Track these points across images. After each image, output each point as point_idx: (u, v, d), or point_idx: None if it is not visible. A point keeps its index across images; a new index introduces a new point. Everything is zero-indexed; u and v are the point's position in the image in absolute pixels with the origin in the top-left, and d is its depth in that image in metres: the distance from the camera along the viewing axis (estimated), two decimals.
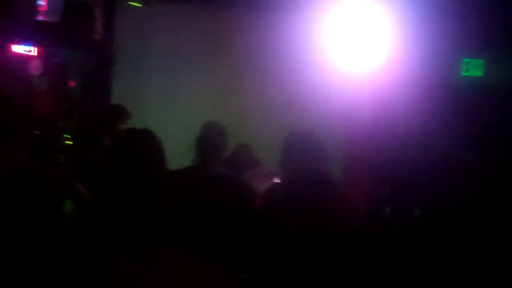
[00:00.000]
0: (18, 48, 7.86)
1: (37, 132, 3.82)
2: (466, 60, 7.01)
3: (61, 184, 3.84)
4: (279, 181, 3.92)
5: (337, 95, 6.76)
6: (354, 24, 6.33)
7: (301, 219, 2.62)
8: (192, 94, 7.13)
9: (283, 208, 2.69)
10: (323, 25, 6.41)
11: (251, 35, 7.01)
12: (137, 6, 6.08)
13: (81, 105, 8.45)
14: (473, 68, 7.01)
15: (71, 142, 6.82)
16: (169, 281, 2.01)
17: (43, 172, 3.68)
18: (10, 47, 7.70)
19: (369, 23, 6.28)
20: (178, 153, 4.32)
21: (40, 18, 7.08)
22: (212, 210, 2.30)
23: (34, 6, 6.76)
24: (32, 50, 8.09)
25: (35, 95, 8.46)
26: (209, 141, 4.30)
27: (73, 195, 3.93)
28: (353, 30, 6.37)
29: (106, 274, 2.07)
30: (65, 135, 7.87)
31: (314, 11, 6.42)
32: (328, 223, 2.62)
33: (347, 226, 2.96)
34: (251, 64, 7.04)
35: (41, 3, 7.10)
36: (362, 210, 3.61)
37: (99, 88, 7.16)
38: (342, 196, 2.76)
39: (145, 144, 2.75)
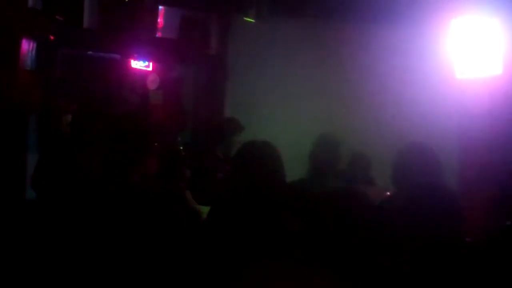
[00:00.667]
0: (136, 64, 8.20)
1: (160, 146, 3.94)
2: None
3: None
4: (390, 194, 3.83)
5: (456, 105, 6.61)
6: (472, 34, 6.21)
7: (420, 235, 2.57)
8: (306, 107, 7.15)
9: (401, 223, 2.65)
10: (438, 37, 6.30)
11: (366, 47, 6.96)
12: (251, 22, 6.16)
13: (195, 118, 8.69)
14: None
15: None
16: None
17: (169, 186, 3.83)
18: (129, 63, 8.03)
19: (487, 34, 6.13)
20: (292, 165, 4.36)
21: (158, 34, 7.34)
22: (337, 225, 2.29)
23: (153, 24, 7.01)
24: (149, 66, 8.41)
25: (152, 109, 8.76)
26: (324, 154, 4.27)
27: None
28: (471, 40, 6.24)
29: None
30: (180, 147, 8.12)
31: (429, 24, 6.33)
32: (449, 240, 2.56)
33: (470, 242, 2.88)
34: (368, 76, 6.99)
35: (159, 20, 7.37)
36: (484, 225, 3.49)
37: (213, 102, 7.31)
38: (463, 212, 2.69)
39: (266, 156, 2.75)
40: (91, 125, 3.97)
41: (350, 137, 6.51)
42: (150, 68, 8.46)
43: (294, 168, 4.39)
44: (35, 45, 5.95)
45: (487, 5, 5.93)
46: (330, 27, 7.13)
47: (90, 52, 7.40)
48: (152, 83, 8.42)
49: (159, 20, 7.38)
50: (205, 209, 3.78)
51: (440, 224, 2.52)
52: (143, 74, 8.36)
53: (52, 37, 6.36)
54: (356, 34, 7.03)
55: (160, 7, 7.12)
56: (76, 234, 2.98)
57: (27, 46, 5.82)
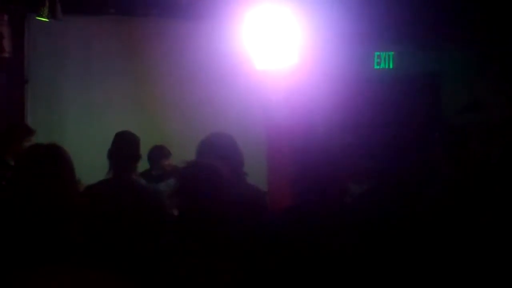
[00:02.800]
0: None
1: None
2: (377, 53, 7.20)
3: None
4: None
5: (255, 95, 6.82)
6: (268, 26, 6.40)
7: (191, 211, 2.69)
8: (109, 106, 7.03)
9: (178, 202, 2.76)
10: (238, 29, 6.45)
11: (166, 42, 6.99)
12: (45, 21, 5.91)
13: None
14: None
15: None
16: None
17: None
18: None
19: (282, 25, 6.35)
20: (96, 167, 4.26)
21: None
22: (121, 219, 2.24)
23: None
24: None
25: None
26: (120, 151, 4.24)
27: None
28: (267, 32, 6.44)
29: None
30: None
31: (228, 16, 6.46)
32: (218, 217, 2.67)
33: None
34: (168, 70, 7.02)
35: None
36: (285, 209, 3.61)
37: (12, 107, 6.95)
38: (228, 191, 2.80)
39: (51, 159, 2.61)
40: None
41: (160, 133, 6.55)
42: None
43: (103, 171, 4.30)
44: None
45: None
46: (130, 25, 7.06)
47: None
48: None
49: None
50: None
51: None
52: None
53: None
54: (155, 30, 7.03)
55: None
56: None
57: None
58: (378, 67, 7.12)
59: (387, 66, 7.13)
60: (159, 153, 6.29)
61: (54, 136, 5.50)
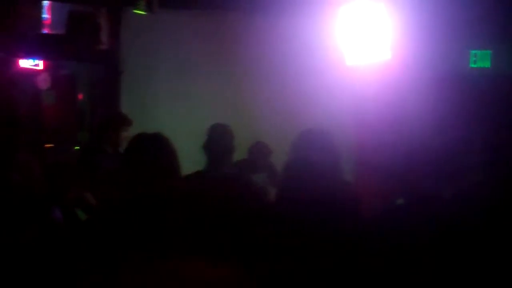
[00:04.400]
0: (25, 63, 7.89)
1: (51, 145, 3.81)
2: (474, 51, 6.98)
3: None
4: None
5: (346, 91, 6.77)
6: (360, 21, 6.36)
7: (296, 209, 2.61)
8: (201, 99, 7.13)
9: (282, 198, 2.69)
10: (330, 24, 6.42)
11: (257, 37, 7.00)
12: (142, 14, 6.06)
13: (92, 116, 8.48)
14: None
15: None
16: None
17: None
18: (17, 62, 7.72)
19: (375, 21, 6.28)
20: (189, 159, 4.31)
21: (45, 31, 7.10)
22: (217, 211, 2.26)
23: (38, 19, 6.78)
24: (39, 64, 8.12)
25: (46, 110, 8.48)
26: (215, 143, 4.26)
27: (83, 206, 3.94)
28: (359, 27, 6.39)
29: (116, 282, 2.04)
30: (76, 147, 7.92)
31: (321, 11, 6.45)
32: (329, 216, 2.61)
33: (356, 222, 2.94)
34: (261, 67, 7.04)
35: (46, 16, 7.13)
36: (375, 207, 3.56)
37: (108, 98, 7.16)
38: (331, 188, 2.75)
39: (157, 147, 2.65)
40: None
41: (250, 128, 6.58)
42: (41, 67, 8.19)
43: (196, 162, 4.37)
44: None
45: None
46: (221, 20, 7.13)
47: None
48: (43, 83, 8.15)
49: (46, 15, 7.15)
50: None
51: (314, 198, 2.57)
52: (33, 73, 8.08)
53: None
54: (247, 25, 7.07)
55: (46, 2, 6.88)
56: None
57: None
58: (474, 65, 6.91)
59: (484, 65, 6.91)
60: (262, 149, 6.10)
61: (147, 127, 5.60)
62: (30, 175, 3.14)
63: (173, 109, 7.11)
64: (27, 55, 7.44)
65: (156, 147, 2.71)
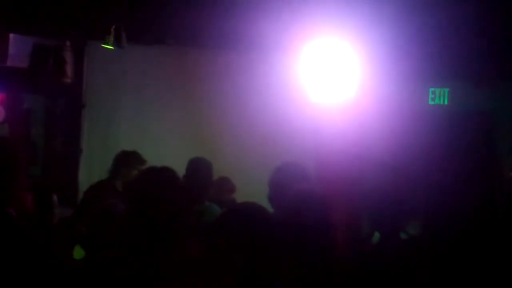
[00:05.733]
0: None
1: None
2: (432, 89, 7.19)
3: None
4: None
5: (312, 128, 6.85)
6: (325, 59, 6.46)
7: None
8: (163, 132, 7.13)
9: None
10: (296, 62, 6.51)
11: (221, 72, 7.08)
12: (107, 48, 6.06)
13: (46, 150, 8.34)
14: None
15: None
16: None
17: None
18: None
19: (339, 59, 6.40)
20: None
21: (8, 63, 7.00)
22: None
23: (4, 52, 6.69)
24: None
25: None
26: (197, 176, 4.27)
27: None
28: (324, 65, 6.49)
29: None
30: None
31: (285, 48, 6.53)
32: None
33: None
34: (226, 103, 7.10)
35: (8, 48, 7.02)
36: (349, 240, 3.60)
37: (69, 132, 7.09)
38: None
39: (168, 181, 2.61)
40: None
41: (214, 163, 6.57)
42: None
43: None
44: None
45: (338, 28, 6.20)
46: (186, 55, 7.18)
47: None
48: None
49: (8, 48, 7.04)
50: None
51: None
52: None
53: None
54: (213, 61, 7.14)
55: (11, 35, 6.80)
56: None
57: None
58: (432, 102, 7.11)
59: (441, 102, 7.11)
60: (226, 185, 6.11)
61: (109, 159, 5.56)
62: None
63: (136, 144, 7.07)
64: None
65: (167, 180, 2.66)
